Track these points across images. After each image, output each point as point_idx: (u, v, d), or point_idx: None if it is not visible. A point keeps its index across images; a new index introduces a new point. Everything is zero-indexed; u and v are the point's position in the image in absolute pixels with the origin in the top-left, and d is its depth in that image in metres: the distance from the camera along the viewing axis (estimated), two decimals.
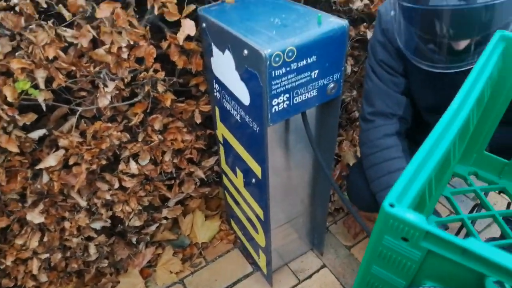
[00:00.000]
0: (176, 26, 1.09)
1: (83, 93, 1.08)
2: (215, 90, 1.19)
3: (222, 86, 1.12)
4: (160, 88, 1.14)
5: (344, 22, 0.94)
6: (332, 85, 1.03)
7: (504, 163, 0.87)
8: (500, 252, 0.38)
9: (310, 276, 1.54)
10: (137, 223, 1.41)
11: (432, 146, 0.50)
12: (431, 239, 0.42)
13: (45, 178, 1.10)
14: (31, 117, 0.99)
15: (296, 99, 0.98)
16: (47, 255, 1.24)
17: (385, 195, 0.95)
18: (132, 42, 1.03)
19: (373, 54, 1.12)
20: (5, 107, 0.92)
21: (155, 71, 1.12)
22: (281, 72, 0.90)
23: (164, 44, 1.11)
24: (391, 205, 0.43)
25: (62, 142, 1.09)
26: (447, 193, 0.86)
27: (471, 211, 0.94)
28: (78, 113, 1.08)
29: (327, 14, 0.99)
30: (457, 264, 0.41)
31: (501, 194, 1.48)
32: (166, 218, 1.55)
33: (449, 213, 1.64)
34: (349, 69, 1.53)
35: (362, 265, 0.52)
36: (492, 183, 0.90)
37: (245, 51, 0.91)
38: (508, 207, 1.09)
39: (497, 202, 1.67)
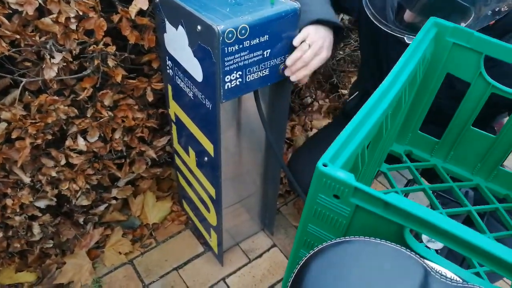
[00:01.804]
0: (127, 1, 1.08)
1: (28, 64, 1.04)
2: (167, 67, 1.18)
3: (175, 63, 1.11)
4: (111, 62, 1.12)
5: (296, 4, 0.97)
6: (283, 65, 1.06)
7: (435, 142, 0.95)
8: (416, 205, 0.43)
9: (260, 255, 1.59)
10: (85, 202, 1.39)
11: (364, 117, 0.54)
12: (358, 194, 0.46)
13: None
14: None
15: (248, 77, 1.00)
16: None
17: None
18: (81, 13, 1.00)
19: None
20: None
21: (106, 45, 1.09)
22: (234, 49, 0.91)
23: (115, 18, 1.08)
24: (325, 165, 0.47)
25: (4, 114, 1.04)
26: (384, 168, 0.92)
27: (405, 186, 1.02)
28: (22, 84, 1.04)
29: None
30: (381, 217, 0.46)
31: None
32: (115, 198, 1.53)
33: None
34: None
35: (300, 225, 0.55)
36: (425, 161, 0.98)
37: (199, 27, 0.91)
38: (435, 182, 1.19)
39: None
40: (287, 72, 1.03)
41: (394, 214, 0.45)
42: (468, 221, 0.89)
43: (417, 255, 0.42)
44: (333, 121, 1.69)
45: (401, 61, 0.64)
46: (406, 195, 0.93)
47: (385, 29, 0.92)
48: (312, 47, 0.97)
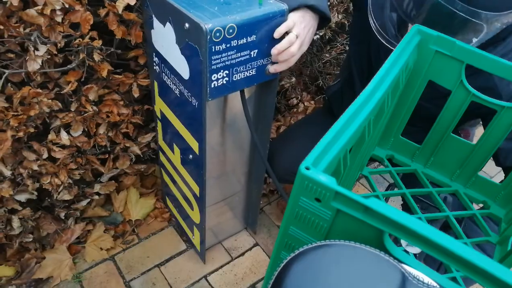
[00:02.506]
0: None
1: (11, 55, 1.02)
2: (154, 64, 1.17)
3: (162, 59, 1.11)
4: (96, 57, 1.11)
5: (284, 5, 0.98)
6: (270, 66, 1.06)
7: (416, 147, 0.97)
8: (395, 210, 0.44)
9: (242, 254, 1.60)
10: (67, 197, 1.37)
11: (347, 121, 0.55)
12: (339, 198, 0.47)
13: None
14: None
15: (235, 76, 1.00)
16: None
17: None
18: (67, 6, 0.99)
19: None
20: None
21: (92, 38, 1.08)
22: (221, 48, 0.91)
23: (102, 12, 1.07)
24: (307, 168, 0.47)
25: None
26: (366, 172, 0.94)
27: (386, 190, 1.04)
28: (4, 76, 1.02)
29: None
30: (361, 222, 0.47)
31: None
32: (98, 193, 1.52)
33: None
34: None
35: (281, 227, 0.56)
36: (406, 165, 0.99)
37: (186, 25, 0.91)
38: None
39: None
40: (272, 59, 1.00)
41: (374, 219, 0.46)
42: (446, 226, 0.91)
43: (395, 260, 0.43)
44: (315, 111, 1.70)
45: (384, 67, 0.66)
46: (387, 199, 0.95)
47: (388, 45, 0.91)
48: (298, 40, 0.95)
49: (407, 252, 0.81)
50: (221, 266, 1.55)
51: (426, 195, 0.95)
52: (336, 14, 1.62)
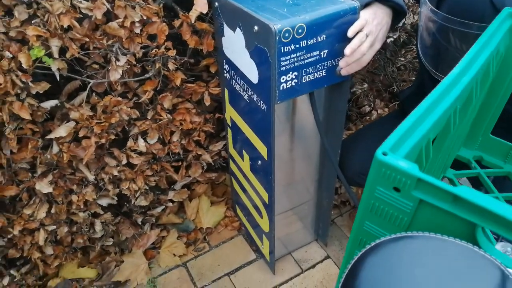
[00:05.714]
0: (188, 9, 1.11)
1: (95, 66, 1.11)
2: (225, 71, 1.20)
3: (232, 66, 1.13)
4: (171, 66, 1.16)
5: (355, 3, 0.94)
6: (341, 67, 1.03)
7: (510, 147, 0.86)
8: (491, 199, 0.38)
9: (313, 266, 1.54)
10: (143, 203, 1.43)
11: (430, 106, 0.50)
12: (422, 187, 0.41)
13: (55, 148, 1.13)
14: (44, 86, 1.02)
15: (304, 78, 0.98)
16: (54, 227, 1.27)
17: None
18: (145, 18, 1.05)
19: None
20: (19, 73, 0.95)
21: (167, 48, 1.14)
22: (290, 49, 0.90)
23: (177, 23, 1.12)
24: (384, 154, 0.43)
25: (73, 114, 1.11)
26: (450, 174, 0.85)
27: None
28: (89, 85, 1.11)
29: None
30: (449, 214, 0.41)
31: None
32: (172, 201, 1.57)
33: None
34: None
35: (355, 223, 0.52)
36: (497, 167, 0.88)
37: (256, 27, 0.91)
38: None
39: None
40: (341, 63, 0.98)
41: (465, 210, 0.40)
42: None
43: (492, 257, 0.37)
44: (388, 113, 1.62)
45: (471, 51, 0.59)
46: None
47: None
48: (369, 38, 0.92)
49: None
50: (291, 278, 1.50)
51: None
52: (412, 15, 1.54)
